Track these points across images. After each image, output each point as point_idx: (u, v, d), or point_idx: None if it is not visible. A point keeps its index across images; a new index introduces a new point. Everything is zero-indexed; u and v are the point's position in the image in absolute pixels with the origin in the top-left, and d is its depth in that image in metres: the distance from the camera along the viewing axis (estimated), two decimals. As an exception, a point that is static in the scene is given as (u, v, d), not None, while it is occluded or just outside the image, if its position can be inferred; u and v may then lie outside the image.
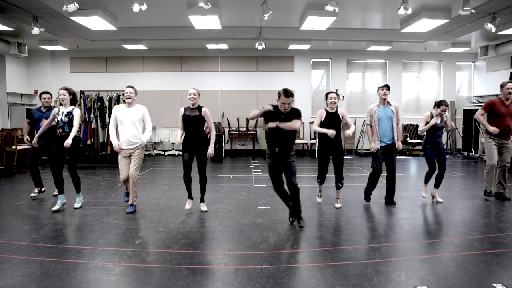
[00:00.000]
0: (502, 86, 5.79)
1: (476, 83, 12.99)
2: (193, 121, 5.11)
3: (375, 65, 12.87)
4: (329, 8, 6.39)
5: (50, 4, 6.98)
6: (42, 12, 7.39)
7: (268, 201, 5.89)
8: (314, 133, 11.23)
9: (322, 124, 5.26)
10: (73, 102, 5.33)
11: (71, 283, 3.09)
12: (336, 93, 5.41)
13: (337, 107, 5.37)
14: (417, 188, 6.86)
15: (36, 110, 6.03)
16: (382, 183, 5.68)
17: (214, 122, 5.72)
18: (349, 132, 5.26)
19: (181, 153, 5.38)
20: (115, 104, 9.90)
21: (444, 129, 5.75)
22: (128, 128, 5.15)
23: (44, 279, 3.15)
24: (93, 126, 10.60)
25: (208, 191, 5.79)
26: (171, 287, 3.03)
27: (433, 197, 5.85)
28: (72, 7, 6.16)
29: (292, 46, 11.08)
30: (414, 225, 4.73)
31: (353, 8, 7.69)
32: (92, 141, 10.69)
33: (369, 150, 5.65)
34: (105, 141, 10.57)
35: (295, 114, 4.40)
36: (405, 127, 12.27)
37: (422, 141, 6.01)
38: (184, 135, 5.22)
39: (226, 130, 12.21)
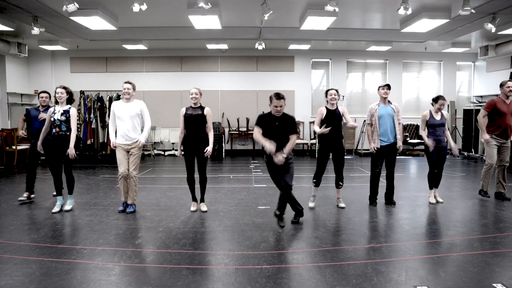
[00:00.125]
0: (501, 85, 5.79)
1: (476, 83, 12.99)
2: (196, 120, 5.12)
3: (375, 65, 12.87)
4: (329, 8, 6.39)
5: (50, 4, 6.98)
6: (42, 12, 7.39)
7: (268, 201, 5.88)
8: (314, 132, 11.22)
9: (322, 122, 5.26)
10: (69, 101, 5.34)
11: (71, 283, 3.09)
12: (336, 90, 5.40)
13: (337, 104, 5.37)
14: (417, 188, 6.87)
15: (33, 109, 6.05)
16: (382, 183, 5.68)
17: (214, 122, 5.73)
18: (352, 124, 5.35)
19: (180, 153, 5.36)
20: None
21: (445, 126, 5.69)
22: (125, 123, 5.15)
23: (44, 279, 3.15)
24: (93, 126, 10.60)
25: (208, 191, 5.79)
26: (171, 287, 3.03)
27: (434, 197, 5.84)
28: (72, 7, 6.16)
29: (292, 46, 11.07)
30: (414, 225, 4.73)
31: (353, 8, 7.69)
32: (92, 141, 10.69)
33: (369, 150, 5.64)
34: (105, 141, 10.57)
35: (290, 121, 4.43)
36: (405, 127, 12.26)
37: (422, 141, 5.97)
38: (184, 135, 5.23)
39: (226, 130, 12.20)
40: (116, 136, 5.24)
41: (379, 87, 5.58)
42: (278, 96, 4.34)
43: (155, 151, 12.25)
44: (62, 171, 5.34)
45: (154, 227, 4.63)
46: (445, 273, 3.27)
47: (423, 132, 5.72)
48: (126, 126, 5.15)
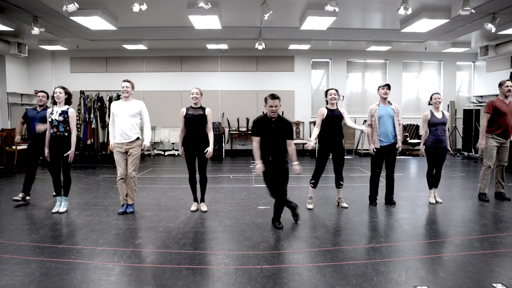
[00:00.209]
0: (500, 84, 5.79)
1: (476, 83, 12.99)
2: (196, 120, 5.12)
3: (375, 65, 12.87)
4: (329, 8, 6.39)
5: (50, 4, 6.98)
6: (42, 12, 7.39)
7: (268, 201, 5.87)
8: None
9: (323, 122, 5.27)
10: (67, 102, 5.32)
11: (71, 283, 3.09)
12: (336, 90, 5.41)
13: (337, 104, 5.37)
14: (417, 188, 6.87)
15: (31, 109, 6.04)
16: (382, 183, 5.68)
17: (214, 122, 5.74)
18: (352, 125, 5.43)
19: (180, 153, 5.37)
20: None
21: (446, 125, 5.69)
22: (123, 121, 5.12)
23: (44, 279, 3.15)
24: (93, 126, 10.61)
25: (208, 191, 5.79)
26: (171, 287, 3.04)
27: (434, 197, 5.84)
28: (72, 7, 6.16)
29: (292, 46, 11.07)
30: (414, 225, 4.73)
31: (353, 8, 7.69)
32: (92, 141, 10.70)
33: (369, 150, 5.64)
34: (105, 141, 10.58)
35: (286, 126, 4.51)
36: (405, 127, 12.26)
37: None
38: (185, 135, 5.22)
39: (226, 130, 12.20)
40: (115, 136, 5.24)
41: (379, 87, 5.58)
42: (273, 96, 4.41)
43: (155, 151, 12.25)
44: (61, 171, 5.33)
45: (154, 227, 4.63)
46: (445, 273, 3.27)
47: (423, 133, 5.72)
48: (124, 125, 5.13)
